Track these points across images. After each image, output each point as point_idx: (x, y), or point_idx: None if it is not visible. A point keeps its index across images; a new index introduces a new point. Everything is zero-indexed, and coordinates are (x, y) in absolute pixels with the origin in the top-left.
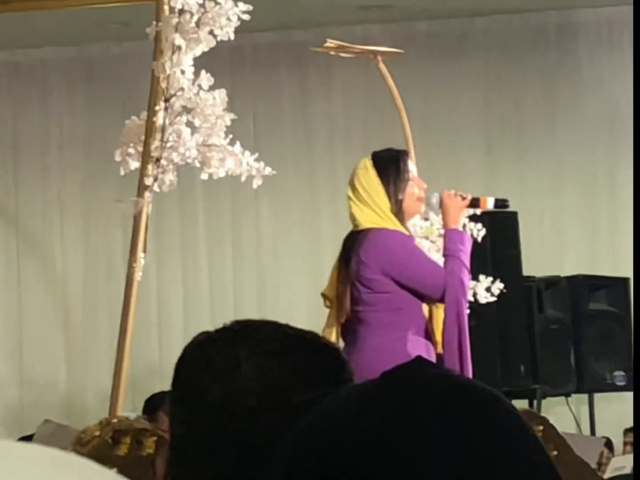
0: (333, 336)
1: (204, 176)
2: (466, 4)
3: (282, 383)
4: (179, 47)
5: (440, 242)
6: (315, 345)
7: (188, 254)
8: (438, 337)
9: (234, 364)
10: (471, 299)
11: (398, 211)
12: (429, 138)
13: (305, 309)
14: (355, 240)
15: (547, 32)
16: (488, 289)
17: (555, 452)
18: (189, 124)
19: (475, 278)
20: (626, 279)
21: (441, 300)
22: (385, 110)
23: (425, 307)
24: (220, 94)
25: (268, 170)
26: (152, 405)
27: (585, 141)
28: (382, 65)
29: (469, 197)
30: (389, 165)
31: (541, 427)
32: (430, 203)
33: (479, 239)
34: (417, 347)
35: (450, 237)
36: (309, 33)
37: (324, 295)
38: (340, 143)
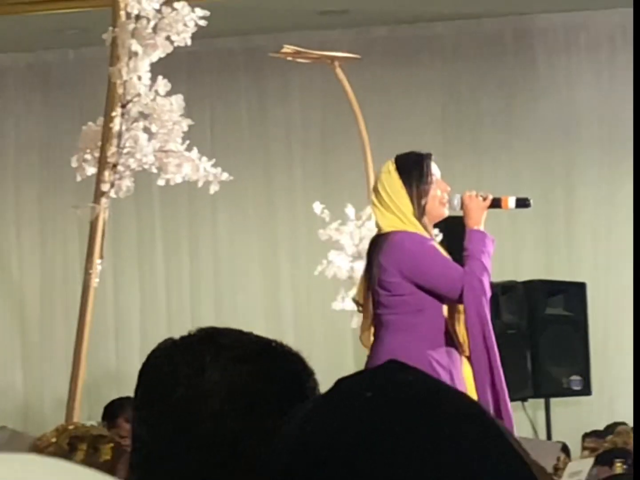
0: (370, 341)
1: (161, 182)
2: (424, 10)
3: (246, 388)
4: (136, 53)
5: None
6: (279, 353)
7: (145, 260)
8: (462, 339)
9: (198, 368)
10: None
11: (421, 215)
12: (386, 143)
13: (263, 314)
14: (377, 244)
15: (503, 37)
16: None
17: None
18: (146, 129)
19: None
20: (582, 284)
21: (460, 300)
22: (343, 116)
23: (445, 309)
24: (177, 100)
25: (225, 176)
26: (112, 411)
27: (542, 146)
28: (339, 71)
29: (490, 197)
30: (412, 169)
31: None
32: (451, 204)
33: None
34: (436, 349)
35: (471, 237)
36: (267, 38)
37: (355, 300)
38: (298, 148)
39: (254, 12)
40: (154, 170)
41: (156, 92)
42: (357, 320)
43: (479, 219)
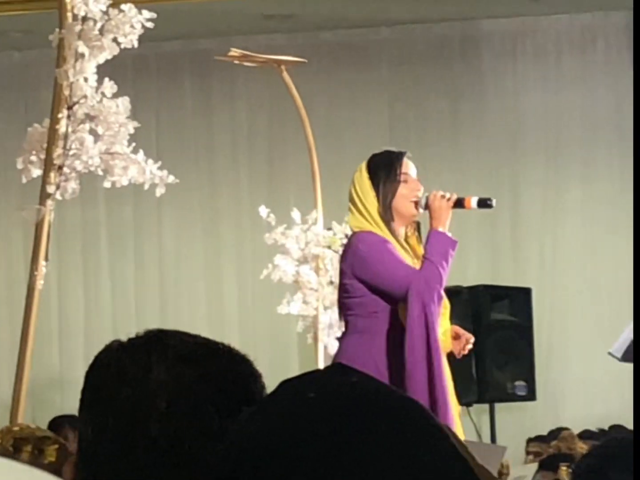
0: None
1: (107, 184)
2: (370, 14)
3: (192, 388)
4: (82, 55)
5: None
6: (226, 355)
7: (90, 263)
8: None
9: (144, 369)
10: None
11: (385, 213)
12: (333, 147)
13: (208, 318)
14: (344, 246)
15: (451, 43)
16: None
17: None
18: (92, 131)
19: None
20: (528, 289)
21: (405, 300)
22: (289, 120)
23: (402, 314)
24: (124, 102)
25: (171, 179)
26: (58, 423)
27: (488, 150)
28: (286, 75)
29: (454, 197)
30: (381, 167)
31: None
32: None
33: None
34: (389, 351)
35: (431, 239)
36: (213, 42)
37: None
38: (244, 152)
39: (201, 15)
40: (100, 173)
41: (103, 94)
42: (301, 324)
43: (444, 220)
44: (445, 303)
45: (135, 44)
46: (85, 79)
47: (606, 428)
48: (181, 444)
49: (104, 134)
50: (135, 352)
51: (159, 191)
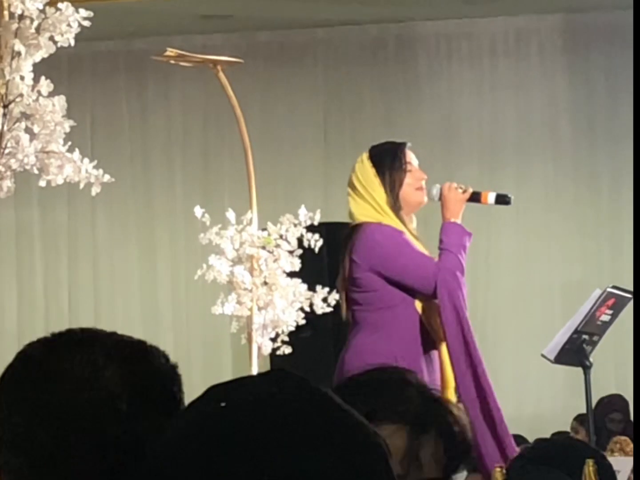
0: None
1: (42, 183)
2: (306, 15)
3: (145, 388)
4: (19, 53)
5: (278, 253)
6: (156, 353)
7: (23, 263)
8: (439, 332)
9: (95, 370)
10: (307, 309)
11: (394, 204)
12: (268, 148)
13: (141, 318)
14: (350, 237)
15: (386, 44)
16: (325, 300)
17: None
18: (28, 130)
19: (311, 289)
20: None
21: (434, 295)
22: (224, 120)
23: (419, 304)
24: (60, 101)
25: (107, 178)
26: None
27: (422, 152)
28: (221, 75)
29: (470, 190)
30: (385, 157)
31: None
32: (430, 194)
33: (316, 250)
34: (407, 347)
35: (447, 230)
36: (149, 41)
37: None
38: (178, 152)
39: (137, 15)
40: (36, 171)
41: (39, 92)
42: (235, 325)
43: (457, 212)
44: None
45: (72, 43)
46: (22, 78)
47: (537, 430)
48: (143, 443)
49: (39, 133)
50: (77, 352)
51: (95, 190)
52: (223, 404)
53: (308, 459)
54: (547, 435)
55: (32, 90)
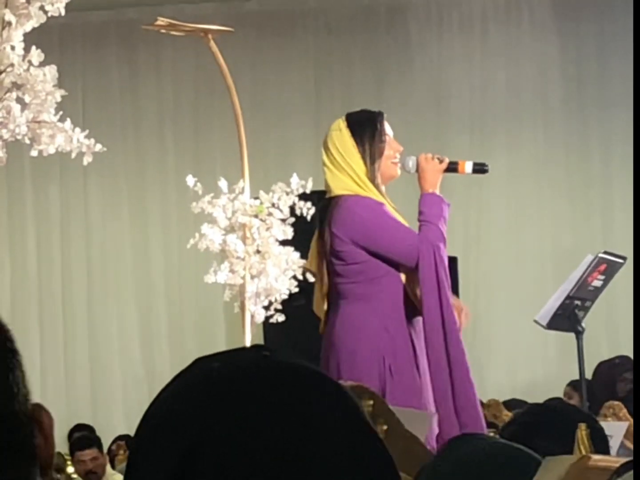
0: (323, 310)
1: (34, 153)
2: None
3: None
4: (9, 23)
5: (270, 221)
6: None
7: (16, 234)
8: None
9: None
10: (301, 277)
11: (374, 176)
12: (259, 116)
13: (134, 288)
14: (327, 209)
15: (376, 12)
16: None
17: (385, 427)
18: (19, 100)
19: (304, 257)
20: (453, 258)
21: (417, 267)
22: (215, 89)
23: (404, 276)
24: (51, 70)
25: (99, 147)
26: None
27: (413, 121)
28: (212, 44)
29: (447, 160)
30: (365, 127)
31: (371, 402)
32: (406, 166)
33: (308, 218)
34: (394, 318)
35: (426, 201)
36: (139, 11)
37: (306, 268)
38: (170, 121)
39: None
40: (27, 141)
41: (30, 62)
42: (228, 294)
43: (435, 182)
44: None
45: (62, 12)
46: (12, 47)
47: (530, 396)
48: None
49: (31, 103)
50: None
51: (86, 160)
52: (216, 364)
53: (299, 419)
54: (541, 401)
55: (23, 60)
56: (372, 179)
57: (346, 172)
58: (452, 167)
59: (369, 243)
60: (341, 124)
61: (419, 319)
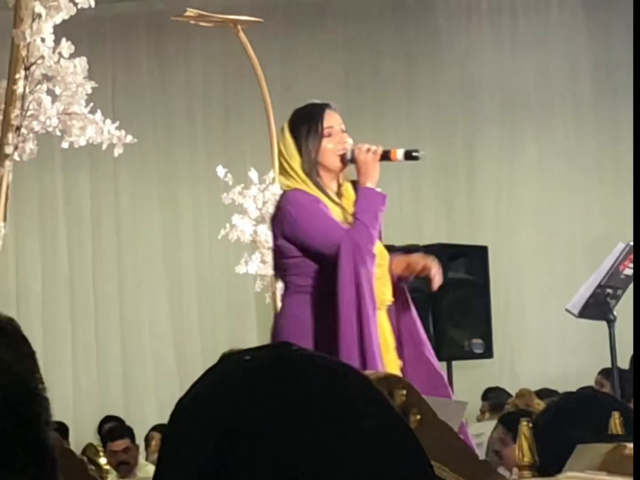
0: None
1: (65, 145)
2: None
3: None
4: (39, 15)
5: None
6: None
7: (47, 225)
8: (378, 294)
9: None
10: None
11: (310, 170)
12: (289, 107)
13: (165, 279)
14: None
15: (405, 1)
16: None
17: (418, 416)
18: (50, 92)
19: None
20: (484, 247)
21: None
22: (245, 80)
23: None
24: (81, 62)
25: (129, 139)
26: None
27: (443, 109)
28: (242, 35)
29: (380, 149)
30: (302, 122)
31: (404, 392)
32: (345, 157)
33: None
34: (328, 311)
35: (360, 195)
36: (169, 2)
37: None
38: (200, 112)
39: None
40: (58, 133)
41: (60, 54)
42: (259, 284)
43: (371, 174)
44: (384, 254)
45: (92, 4)
46: (43, 40)
47: (562, 385)
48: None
49: (61, 95)
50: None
51: (117, 151)
52: (247, 357)
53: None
54: (573, 390)
55: (53, 52)
56: (309, 173)
57: (285, 169)
58: (386, 156)
59: (296, 237)
60: (285, 123)
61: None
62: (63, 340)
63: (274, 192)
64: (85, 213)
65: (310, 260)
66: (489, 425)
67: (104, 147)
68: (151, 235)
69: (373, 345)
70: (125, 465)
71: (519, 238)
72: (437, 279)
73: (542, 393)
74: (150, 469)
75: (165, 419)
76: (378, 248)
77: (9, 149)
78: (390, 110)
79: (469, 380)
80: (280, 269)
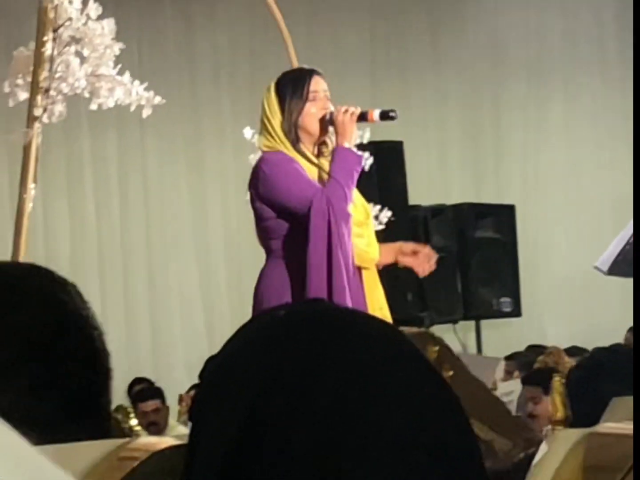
0: None
1: (94, 106)
2: None
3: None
4: None
5: None
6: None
7: (74, 188)
8: (356, 254)
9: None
10: None
11: (290, 132)
12: (315, 66)
13: (193, 240)
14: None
15: None
16: (376, 217)
17: (451, 372)
18: (78, 54)
19: None
20: (511, 206)
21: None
22: (271, 41)
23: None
24: (109, 24)
25: (158, 100)
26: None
27: (469, 68)
28: None
29: (358, 111)
30: (289, 84)
31: (437, 348)
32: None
33: (366, 168)
34: (301, 275)
35: (338, 156)
36: None
37: None
38: (226, 73)
39: None
40: (86, 95)
41: (87, 16)
42: None
43: (348, 134)
44: (368, 212)
45: None
46: (70, 1)
47: (591, 343)
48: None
49: (89, 56)
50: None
51: (146, 112)
52: (283, 312)
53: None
54: None
55: (81, 14)
56: (288, 135)
57: (268, 131)
58: (363, 117)
59: (270, 197)
60: (272, 84)
61: (356, 271)
62: (92, 304)
63: None
64: (112, 177)
65: (285, 221)
66: (518, 384)
67: (133, 108)
68: (178, 197)
69: (346, 302)
70: (155, 425)
71: (546, 196)
72: (425, 267)
73: (572, 351)
74: (181, 429)
75: (194, 381)
76: (361, 206)
77: (37, 111)
78: (416, 69)
79: (498, 338)
80: (259, 233)
